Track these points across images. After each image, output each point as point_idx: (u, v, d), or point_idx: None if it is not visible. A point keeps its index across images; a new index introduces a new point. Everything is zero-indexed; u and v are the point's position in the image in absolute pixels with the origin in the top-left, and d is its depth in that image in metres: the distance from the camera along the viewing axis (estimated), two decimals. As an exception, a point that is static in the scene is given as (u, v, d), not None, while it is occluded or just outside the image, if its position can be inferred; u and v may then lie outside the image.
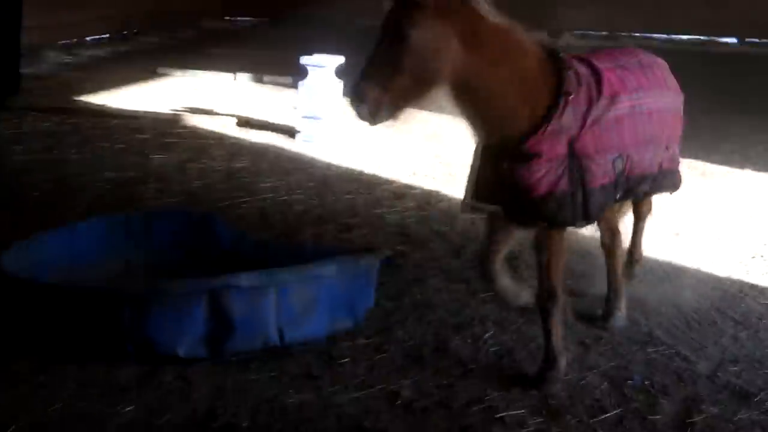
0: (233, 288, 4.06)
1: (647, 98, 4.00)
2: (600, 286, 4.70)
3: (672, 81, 4.27)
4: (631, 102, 3.92)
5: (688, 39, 14.63)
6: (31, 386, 3.85)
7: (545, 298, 3.94)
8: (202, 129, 8.69)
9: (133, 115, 9.07)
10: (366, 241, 5.67)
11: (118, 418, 3.64)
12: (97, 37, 14.07)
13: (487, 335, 4.43)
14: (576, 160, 3.71)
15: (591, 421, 3.71)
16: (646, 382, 4.02)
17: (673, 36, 14.66)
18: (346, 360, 4.16)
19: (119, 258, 4.87)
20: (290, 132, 8.38)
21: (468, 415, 3.73)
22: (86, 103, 9.81)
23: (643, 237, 4.81)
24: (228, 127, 8.74)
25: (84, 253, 4.79)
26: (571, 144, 3.70)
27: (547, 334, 3.96)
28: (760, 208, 6.53)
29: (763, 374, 4.14)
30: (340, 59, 8.14)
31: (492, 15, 3.56)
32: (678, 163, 4.35)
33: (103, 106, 9.62)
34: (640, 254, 4.84)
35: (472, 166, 3.97)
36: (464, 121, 3.71)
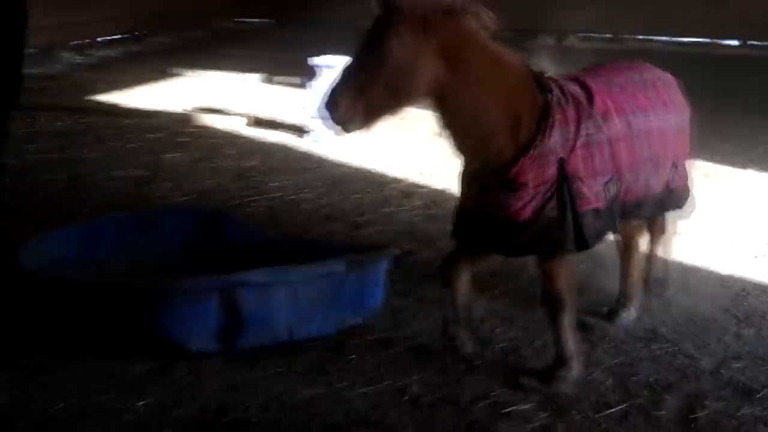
0: (245, 285, 4.13)
1: (646, 118, 3.91)
2: (606, 284, 4.74)
3: (678, 98, 4.17)
4: (627, 122, 3.82)
5: (690, 41, 14.62)
6: (45, 380, 3.92)
7: (551, 304, 3.89)
8: (213, 128, 8.77)
9: (144, 115, 9.14)
10: (375, 239, 5.72)
11: (130, 413, 3.70)
12: (109, 37, 14.15)
13: (494, 332, 4.48)
14: (566, 182, 3.61)
15: (596, 416, 3.75)
16: (650, 379, 4.06)
17: (675, 38, 14.64)
18: (355, 356, 4.22)
19: (131, 255, 4.93)
20: (300, 131, 8.44)
21: (474, 410, 3.78)
22: (98, 102, 9.89)
23: (661, 259, 4.71)
24: (238, 127, 8.81)
25: (96, 251, 4.86)
26: (561, 165, 3.60)
27: (556, 335, 3.94)
28: (763, 207, 6.55)
29: (766, 371, 4.18)
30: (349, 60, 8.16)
31: (480, 32, 3.49)
32: (687, 180, 4.26)
33: (114, 105, 9.71)
34: (649, 274, 4.69)
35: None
36: (448, 140, 3.65)
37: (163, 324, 4.07)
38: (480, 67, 3.49)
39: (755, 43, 14.27)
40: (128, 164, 7.38)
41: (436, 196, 6.72)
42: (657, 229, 4.58)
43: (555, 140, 3.60)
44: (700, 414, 3.79)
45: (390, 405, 3.80)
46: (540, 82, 3.68)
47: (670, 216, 4.52)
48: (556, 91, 3.67)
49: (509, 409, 3.78)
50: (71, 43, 13.25)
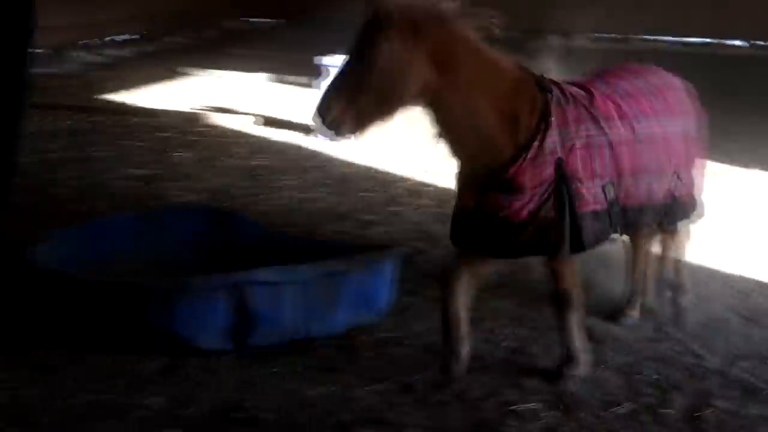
0: (256, 284, 4.16)
1: (650, 124, 3.87)
2: (612, 283, 4.77)
3: (687, 104, 4.14)
4: (631, 127, 3.80)
5: (696, 41, 14.60)
6: (60, 378, 3.94)
7: (559, 303, 3.91)
8: (223, 127, 8.81)
9: (153, 114, 9.19)
10: (383, 238, 5.76)
11: (142, 409, 3.72)
12: (120, 37, 14.21)
13: (502, 330, 4.50)
14: (564, 183, 3.60)
15: (604, 414, 3.76)
16: (657, 378, 4.07)
17: (681, 38, 14.62)
18: (365, 355, 4.25)
19: (140, 254, 4.95)
20: (308, 130, 8.47)
21: (483, 408, 3.80)
22: (107, 101, 9.94)
23: (675, 261, 4.68)
24: (248, 126, 8.86)
25: (105, 250, 4.88)
26: (559, 165, 3.59)
27: (564, 334, 3.96)
28: (768, 206, 6.58)
29: (773, 370, 4.19)
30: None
31: (472, 36, 3.48)
32: (693, 188, 4.21)
33: (123, 104, 9.75)
34: (660, 275, 4.67)
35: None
36: (443, 145, 3.65)
37: (174, 322, 4.10)
38: (472, 71, 3.48)
39: (761, 43, 14.26)
40: (137, 163, 7.42)
41: (442, 195, 6.72)
42: (667, 241, 4.57)
43: (553, 140, 3.59)
44: (707, 413, 3.79)
45: (399, 403, 3.82)
46: (540, 83, 3.67)
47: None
48: (555, 92, 3.66)
49: (517, 407, 3.79)
50: (82, 42, 13.31)
